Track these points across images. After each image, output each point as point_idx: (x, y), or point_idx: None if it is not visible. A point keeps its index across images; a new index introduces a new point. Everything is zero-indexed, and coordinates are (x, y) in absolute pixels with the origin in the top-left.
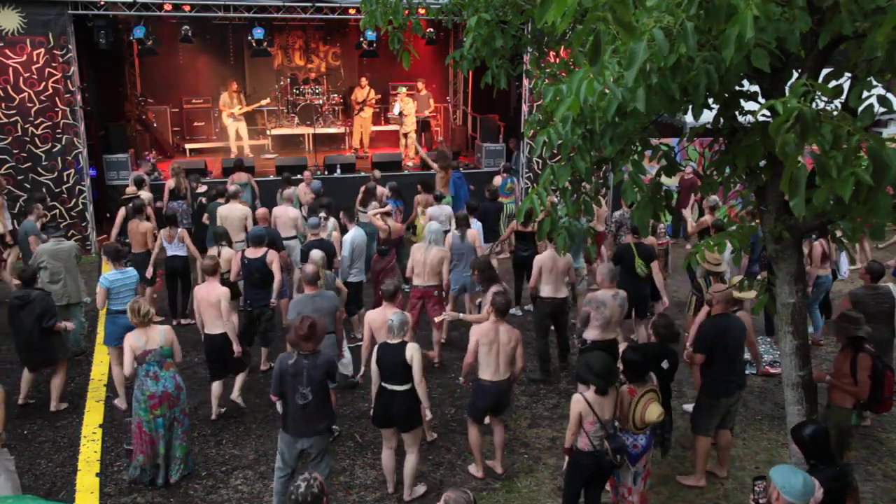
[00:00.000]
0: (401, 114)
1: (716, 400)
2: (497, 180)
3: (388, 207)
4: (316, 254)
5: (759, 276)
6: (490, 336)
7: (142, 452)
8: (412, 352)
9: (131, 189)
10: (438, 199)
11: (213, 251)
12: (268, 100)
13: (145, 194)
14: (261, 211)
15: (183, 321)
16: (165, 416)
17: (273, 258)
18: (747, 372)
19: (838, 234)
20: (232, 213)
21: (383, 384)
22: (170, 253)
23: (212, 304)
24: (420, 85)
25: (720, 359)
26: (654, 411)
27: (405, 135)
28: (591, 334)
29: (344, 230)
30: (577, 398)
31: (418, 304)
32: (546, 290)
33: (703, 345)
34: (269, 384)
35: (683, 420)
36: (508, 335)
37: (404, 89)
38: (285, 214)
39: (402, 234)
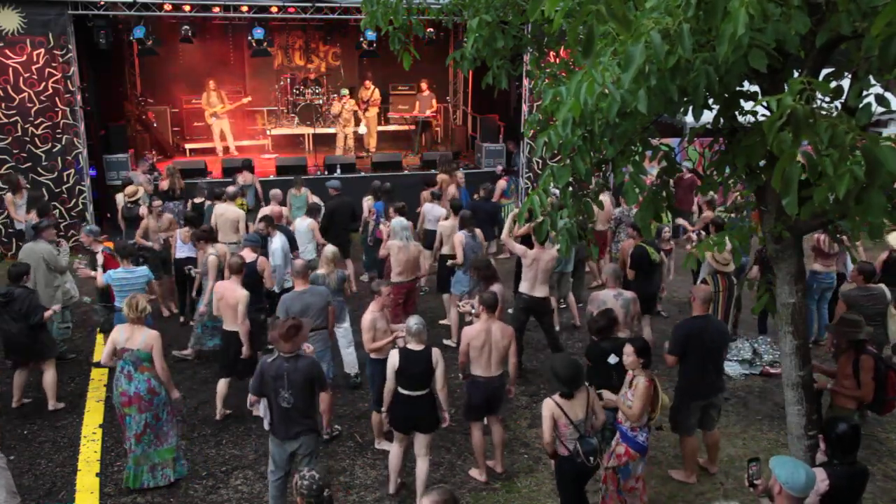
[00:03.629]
0: (339, 115)
1: (687, 402)
2: (501, 184)
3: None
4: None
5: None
6: (481, 336)
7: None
8: (437, 357)
9: (131, 189)
10: (437, 198)
11: (209, 250)
12: (249, 98)
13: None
14: (276, 209)
15: (192, 322)
16: (133, 418)
17: (264, 265)
18: (747, 372)
19: (839, 234)
20: (226, 213)
21: (402, 391)
22: (182, 255)
23: (230, 304)
24: (423, 85)
25: (693, 361)
26: (665, 397)
27: (345, 136)
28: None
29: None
30: (547, 402)
31: (402, 299)
32: (523, 287)
33: (676, 346)
34: None
35: None
36: (502, 332)
37: (346, 92)
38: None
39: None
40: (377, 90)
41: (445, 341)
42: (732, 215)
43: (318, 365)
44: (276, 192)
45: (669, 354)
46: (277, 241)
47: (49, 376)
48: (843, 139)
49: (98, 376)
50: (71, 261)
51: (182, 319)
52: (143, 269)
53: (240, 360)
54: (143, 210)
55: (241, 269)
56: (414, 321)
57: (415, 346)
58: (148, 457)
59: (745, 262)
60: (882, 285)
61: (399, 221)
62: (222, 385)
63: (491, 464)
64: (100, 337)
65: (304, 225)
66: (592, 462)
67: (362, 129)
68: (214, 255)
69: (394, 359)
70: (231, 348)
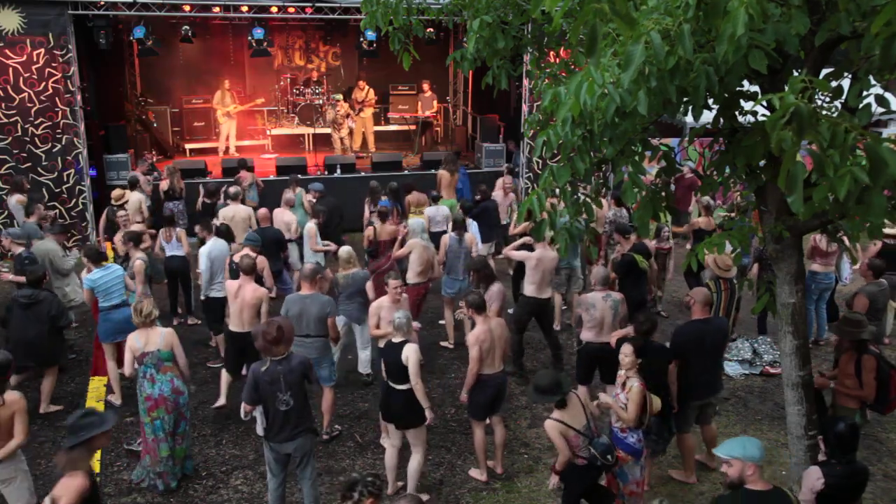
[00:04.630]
0: (334, 120)
1: (686, 401)
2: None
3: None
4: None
5: (748, 275)
6: (488, 337)
7: (146, 453)
8: (408, 353)
9: (118, 193)
10: (435, 200)
11: (137, 254)
12: (262, 99)
13: (137, 195)
14: (262, 211)
15: (189, 321)
16: (164, 420)
17: (263, 264)
18: (747, 372)
19: (839, 234)
20: (237, 214)
21: (387, 381)
22: (168, 253)
23: (251, 305)
24: (425, 86)
25: (694, 363)
26: (657, 401)
27: (341, 139)
28: (586, 336)
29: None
30: (550, 424)
31: (419, 299)
32: (529, 290)
33: (677, 350)
34: None
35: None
36: (501, 328)
37: (340, 96)
38: (279, 218)
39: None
40: (372, 90)
41: (443, 343)
42: (732, 215)
43: (308, 360)
44: (290, 195)
45: (672, 358)
46: (206, 247)
47: (48, 381)
48: (845, 139)
49: (98, 376)
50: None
51: (176, 323)
52: (114, 266)
53: (247, 363)
54: (120, 213)
55: (252, 269)
56: (399, 315)
57: (396, 339)
58: (175, 453)
59: (746, 265)
60: (882, 279)
61: (418, 221)
62: (227, 376)
63: (491, 464)
64: None
65: (306, 230)
66: (611, 459)
67: (345, 132)
68: (141, 259)
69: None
70: (244, 348)
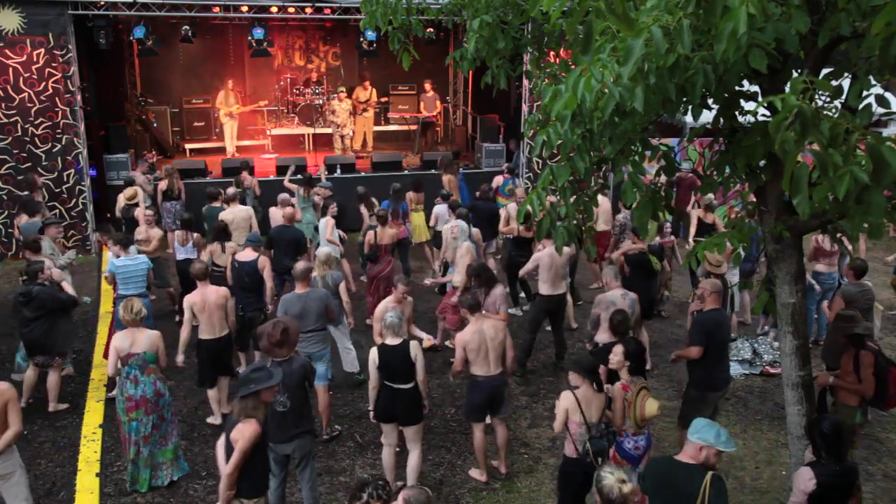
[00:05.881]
0: (333, 112)
1: (705, 393)
2: (498, 180)
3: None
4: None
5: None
6: (476, 338)
7: (124, 452)
8: (416, 350)
9: (131, 192)
10: (446, 199)
11: (215, 248)
12: (266, 101)
13: (138, 195)
14: (289, 210)
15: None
16: (141, 422)
17: (265, 263)
18: (747, 372)
19: (838, 234)
20: (237, 216)
21: (386, 383)
22: (182, 256)
23: (220, 305)
24: (427, 86)
25: (710, 352)
26: (652, 406)
27: (342, 138)
28: (602, 337)
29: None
30: (566, 394)
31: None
32: (545, 289)
33: (700, 337)
34: None
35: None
36: (494, 329)
37: (343, 90)
38: (276, 216)
39: (404, 237)
40: (375, 91)
41: (446, 343)
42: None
43: (309, 363)
44: (284, 196)
45: (694, 346)
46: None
47: (53, 377)
48: (846, 139)
49: (98, 376)
50: None
51: (178, 319)
52: (144, 257)
53: (228, 363)
54: (139, 212)
55: (206, 274)
56: (391, 315)
57: (392, 341)
58: (153, 457)
59: (746, 267)
60: (868, 282)
61: (464, 224)
62: (213, 393)
63: (495, 464)
64: (100, 338)
65: (322, 224)
66: (600, 463)
67: (347, 131)
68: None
69: (373, 355)
70: (216, 354)
